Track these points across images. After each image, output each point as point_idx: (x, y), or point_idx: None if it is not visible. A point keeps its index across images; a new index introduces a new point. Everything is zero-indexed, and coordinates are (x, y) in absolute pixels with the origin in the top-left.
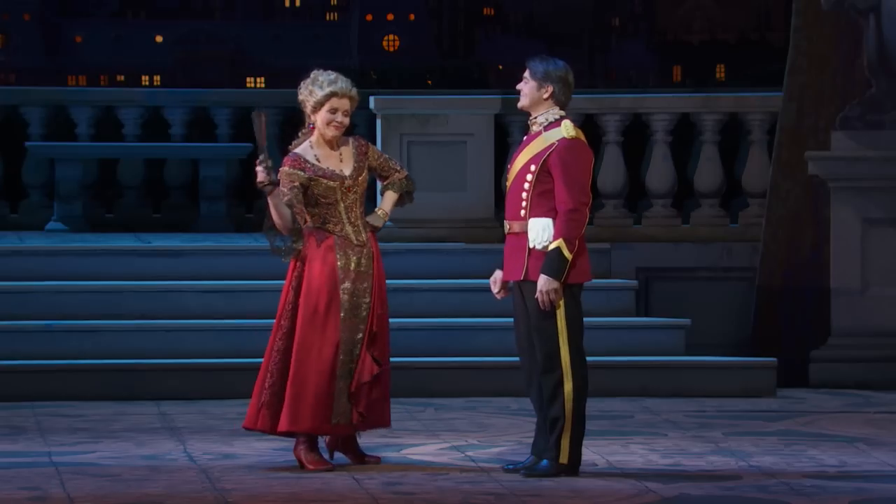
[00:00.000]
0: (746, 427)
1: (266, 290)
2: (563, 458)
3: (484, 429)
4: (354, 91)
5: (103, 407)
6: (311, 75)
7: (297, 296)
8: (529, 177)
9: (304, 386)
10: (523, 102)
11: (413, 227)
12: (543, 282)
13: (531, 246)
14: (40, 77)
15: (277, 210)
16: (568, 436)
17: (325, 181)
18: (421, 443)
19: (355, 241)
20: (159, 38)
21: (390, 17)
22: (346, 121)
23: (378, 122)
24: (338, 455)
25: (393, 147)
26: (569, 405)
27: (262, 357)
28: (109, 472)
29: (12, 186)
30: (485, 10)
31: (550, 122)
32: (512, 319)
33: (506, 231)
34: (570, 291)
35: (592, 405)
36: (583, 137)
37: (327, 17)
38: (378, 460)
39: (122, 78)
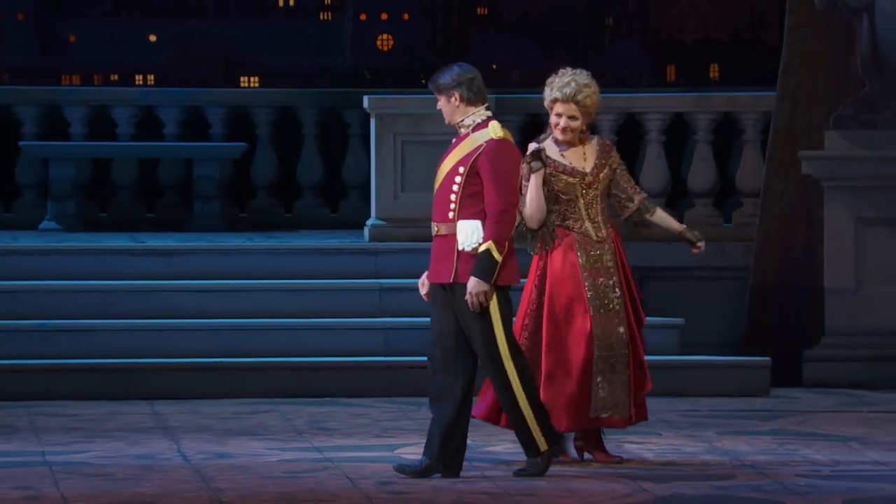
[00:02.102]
0: (740, 426)
1: (259, 290)
2: (543, 446)
3: (478, 428)
4: (583, 97)
5: (97, 406)
6: (558, 72)
7: (540, 294)
8: (458, 178)
9: (559, 385)
10: (446, 119)
11: (407, 227)
12: (473, 284)
13: (460, 248)
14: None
15: (537, 196)
16: (536, 426)
17: (565, 177)
18: (414, 442)
19: (595, 238)
20: (153, 38)
21: (384, 16)
22: (574, 124)
23: (372, 121)
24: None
25: (387, 146)
26: (521, 398)
27: (256, 356)
28: (103, 472)
29: (6, 186)
30: (478, 9)
31: (478, 124)
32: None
33: (433, 233)
34: (502, 292)
35: None
36: (510, 138)
37: (321, 17)
38: (620, 460)
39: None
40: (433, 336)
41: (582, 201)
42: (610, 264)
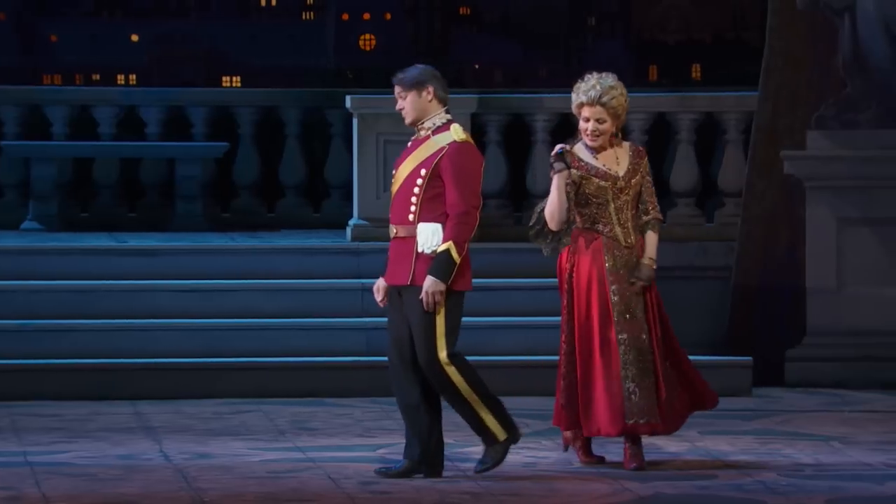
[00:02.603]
0: (722, 426)
1: (241, 290)
2: (501, 436)
3: (460, 428)
4: (609, 98)
5: (79, 407)
6: (584, 77)
7: (570, 298)
8: (420, 181)
9: (591, 391)
10: (410, 117)
11: (388, 226)
12: (430, 283)
13: (420, 250)
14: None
15: (558, 197)
16: (488, 414)
17: (596, 180)
18: (397, 442)
19: (624, 243)
20: (135, 38)
21: (366, 16)
22: (603, 127)
23: (355, 121)
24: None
25: (370, 146)
26: (469, 394)
27: (238, 356)
28: (85, 472)
29: None
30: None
31: (438, 126)
32: (483, 319)
33: (391, 235)
34: (455, 299)
35: None
36: (472, 140)
37: (303, 17)
38: (641, 467)
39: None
40: (390, 341)
41: (613, 205)
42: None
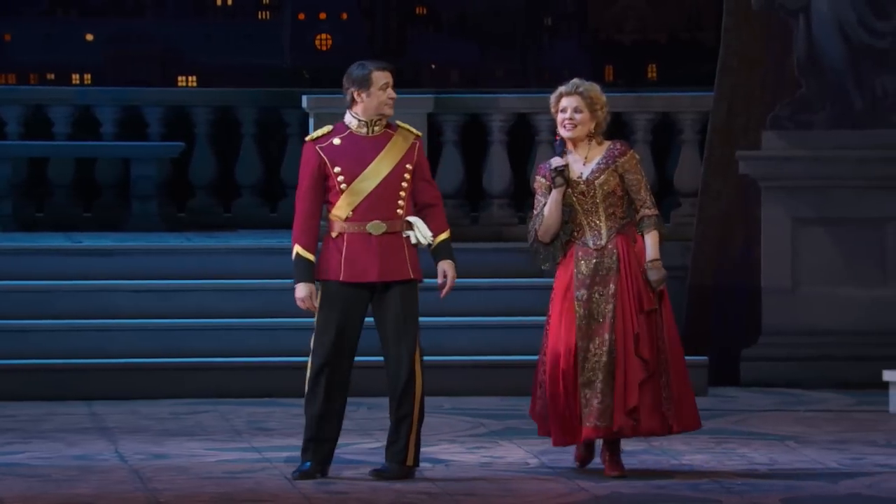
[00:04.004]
0: None
1: (198, 290)
2: (411, 461)
3: (424, 428)
4: (585, 88)
5: (33, 407)
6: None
7: (551, 307)
8: (407, 176)
9: (552, 399)
10: (391, 110)
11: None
12: (454, 269)
13: (414, 243)
14: None
15: (556, 211)
16: (416, 436)
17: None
18: (354, 442)
19: (592, 247)
20: (90, 37)
21: (322, 16)
22: (579, 117)
23: (311, 121)
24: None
25: None
26: (418, 404)
27: (195, 357)
28: (39, 473)
29: None
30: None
31: (389, 123)
32: (441, 319)
33: (375, 232)
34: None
35: (526, 402)
36: None
37: (259, 16)
38: (623, 475)
39: (53, 76)
40: (341, 341)
41: (580, 210)
42: (608, 274)
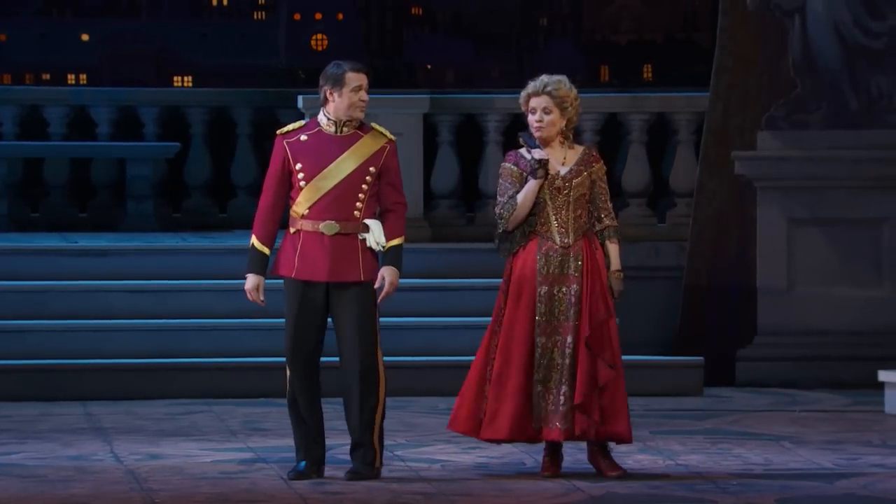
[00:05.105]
0: (673, 426)
1: (193, 290)
2: (377, 462)
3: (412, 428)
4: (553, 87)
5: (29, 408)
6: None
7: (505, 298)
8: (369, 178)
9: (503, 392)
10: (363, 112)
11: None
12: (396, 275)
13: (370, 246)
14: None
15: (530, 201)
16: (379, 442)
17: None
18: (347, 442)
19: (559, 244)
20: (85, 37)
21: (318, 16)
22: (549, 118)
23: (306, 121)
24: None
25: None
26: (380, 409)
27: (190, 357)
28: (35, 473)
29: None
30: (413, 9)
31: (362, 124)
32: (437, 319)
33: (328, 232)
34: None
35: None
36: None
37: (255, 17)
38: (624, 474)
39: (48, 76)
40: (304, 341)
41: (550, 205)
42: (572, 273)
